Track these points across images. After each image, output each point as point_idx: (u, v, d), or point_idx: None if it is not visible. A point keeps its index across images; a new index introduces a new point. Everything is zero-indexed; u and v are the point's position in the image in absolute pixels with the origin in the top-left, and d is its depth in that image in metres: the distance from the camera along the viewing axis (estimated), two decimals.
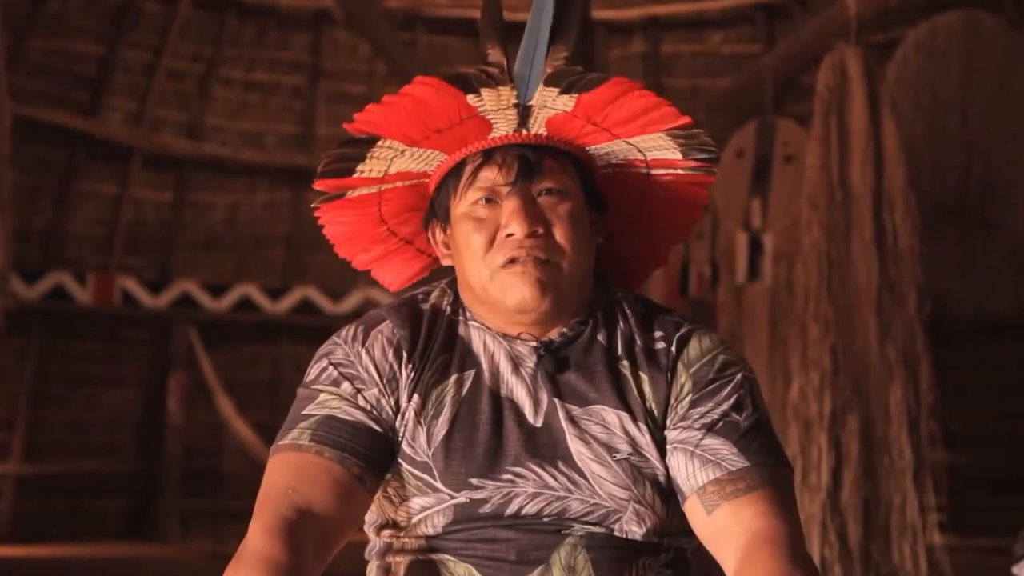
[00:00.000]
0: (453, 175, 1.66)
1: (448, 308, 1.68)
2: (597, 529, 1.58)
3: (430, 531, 1.60)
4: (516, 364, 1.63)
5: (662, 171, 1.71)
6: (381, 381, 1.62)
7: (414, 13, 9.70)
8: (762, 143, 6.13)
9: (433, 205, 1.70)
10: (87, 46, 9.33)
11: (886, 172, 5.01)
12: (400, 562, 1.63)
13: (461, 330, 1.67)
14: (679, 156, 1.67)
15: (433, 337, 1.65)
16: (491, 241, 1.62)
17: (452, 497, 1.59)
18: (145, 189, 9.84)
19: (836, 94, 5.09)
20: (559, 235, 1.62)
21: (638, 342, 1.65)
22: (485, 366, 1.64)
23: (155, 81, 9.55)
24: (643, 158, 1.69)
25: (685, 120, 1.63)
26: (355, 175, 1.67)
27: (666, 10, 9.44)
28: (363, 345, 1.64)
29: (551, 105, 1.62)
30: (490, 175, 1.63)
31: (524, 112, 1.63)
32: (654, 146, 1.67)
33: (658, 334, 1.66)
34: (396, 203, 1.73)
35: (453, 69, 1.64)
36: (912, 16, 7.13)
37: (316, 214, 1.73)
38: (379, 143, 1.64)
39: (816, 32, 6.47)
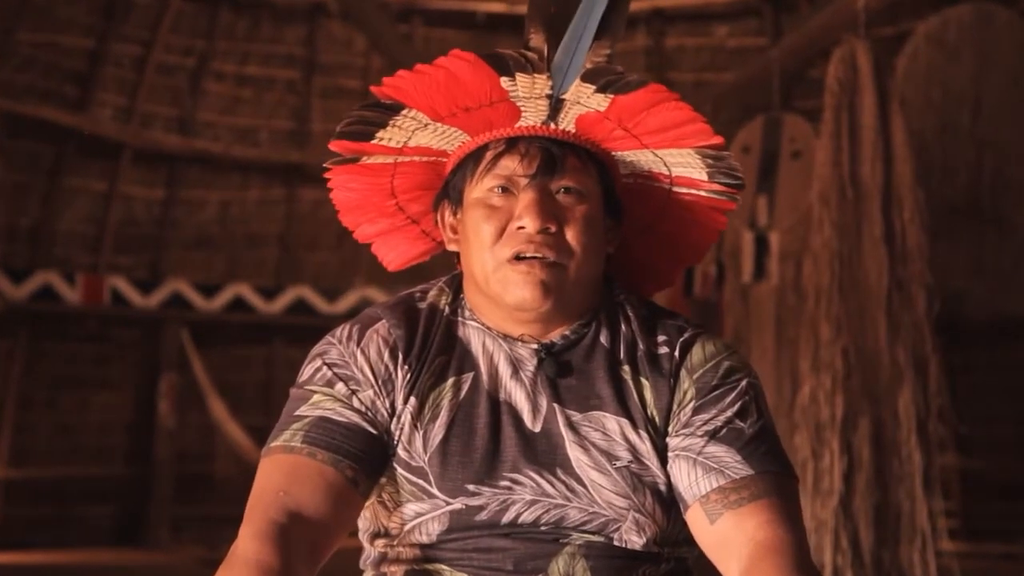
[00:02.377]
0: (473, 158, 1.64)
1: (447, 308, 1.66)
2: (596, 538, 1.56)
3: (424, 539, 1.58)
4: (516, 367, 1.61)
5: (684, 190, 1.70)
6: (376, 382, 1.60)
7: (411, 5, 9.72)
8: (769, 139, 6.09)
9: (447, 186, 1.68)
10: (76, 40, 9.29)
11: (895, 169, 4.92)
12: (395, 572, 1.61)
13: (460, 331, 1.65)
14: (704, 177, 1.67)
15: (430, 338, 1.63)
16: (501, 232, 1.60)
17: (448, 503, 1.56)
18: (135, 186, 9.84)
19: (847, 89, 4.99)
20: (571, 236, 1.60)
21: (640, 347, 1.63)
22: (484, 369, 1.62)
23: (146, 76, 9.53)
24: (668, 173, 1.68)
25: (718, 140, 1.61)
26: (374, 141, 1.65)
27: (670, 2, 9.46)
28: (358, 345, 1.62)
29: (584, 102, 1.60)
30: (510, 164, 1.61)
31: (556, 104, 1.61)
32: (681, 162, 1.66)
33: (661, 339, 1.64)
34: (410, 178, 1.71)
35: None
36: (922, 8, 7.09)
37: (327, 175, 1.71)
38: (403, 112, 1.62)
39: (823, 25, 6.50)
